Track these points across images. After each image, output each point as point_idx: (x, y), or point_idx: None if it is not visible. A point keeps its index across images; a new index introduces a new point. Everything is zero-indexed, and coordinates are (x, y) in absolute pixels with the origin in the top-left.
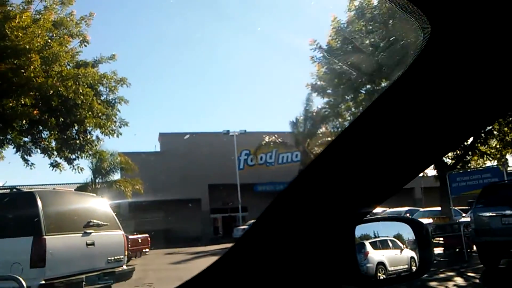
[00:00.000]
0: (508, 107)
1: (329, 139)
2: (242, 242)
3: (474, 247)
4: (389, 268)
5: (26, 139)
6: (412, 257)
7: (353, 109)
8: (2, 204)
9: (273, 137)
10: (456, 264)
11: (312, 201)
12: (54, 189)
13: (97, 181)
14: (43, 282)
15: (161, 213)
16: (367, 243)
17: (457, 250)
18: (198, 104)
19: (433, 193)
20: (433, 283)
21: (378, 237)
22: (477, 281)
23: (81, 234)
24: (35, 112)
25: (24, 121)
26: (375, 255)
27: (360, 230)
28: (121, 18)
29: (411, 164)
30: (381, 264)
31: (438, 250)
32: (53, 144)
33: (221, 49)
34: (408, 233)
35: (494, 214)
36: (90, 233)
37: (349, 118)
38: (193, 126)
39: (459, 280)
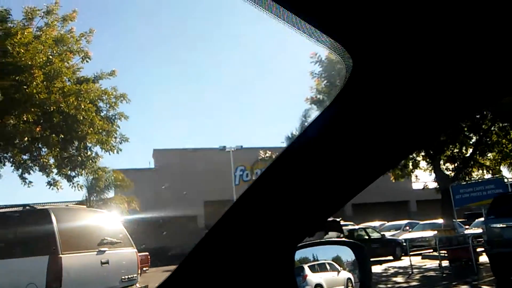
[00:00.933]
0: (433, 135)
1: None
2: (182, 268)
3: (481, 259)
4: None
5: (25, 156)
6: (348, 278)
7: None
8: (16, 222)
9: (269, 152)
10: (466, 276)
11: (250, 227)
12: (66, 206)
13: (92, 198)
14: None
15: (157, 230)
16: (306, 266)
17: (463, 262)
18: (194, 120)
19: (428, 206)
20: None
21: (317, 260)
22: None
23: (95, 252)
24: (37, 129)
25: (26, 138)
26: (313, 278)
27: (300, 254)
28: (117, 33)
29: (345, 189)
30: (318, 286)
31: (444, 263)
32: (51, 161)
33: (217, 65)
34: (347, 255)
35: (508, 225)
36: (105, 251)
37: None
38: (189, 142)
39: None
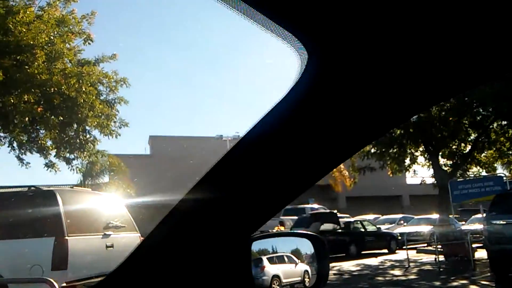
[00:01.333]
0: (383, 131)
1: None
2: (134, 255)
3: (476, 255)
4: (283, 281)
5: (23, 137)
6: (306, 271)
7: None
8: (22, 203)
9: None
10: (464, 272)
11: (202, 217)
12: (72, 188)
13: (86, 183)
14: (65, 284)
15: (150, 216)
16: (264, 258)
17: (458, 258)
18: (192, 108)
19: (421, 201)
20: None
21: (277, 252)
22: None
23: (101, 236)
24: (39, 109)
25: (27, 119)
26: (271, 269)
27: (259, 245)
28: (117, 18)
29: (297, 180)
30: (276, 277)
31: (441, 258)
32: (49, 143)
33: (216, 52)
34: (306, 247)
35: (508, 222)
36: (109, 235)
37: None
38: (186, 129)
39: None
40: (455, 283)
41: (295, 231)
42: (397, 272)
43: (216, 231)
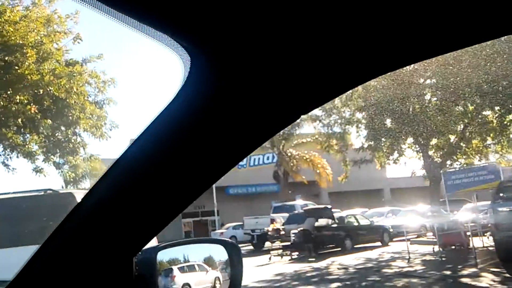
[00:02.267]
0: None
1: (304, 140)
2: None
3: (471, 244)
4: None
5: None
6: (217, 277)
7: (334, 111)
8: (42, 206)
9: None
10: (466, 261)
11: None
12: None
13: (68, 188)
14: None
15: None
16: (175, 268)
17: (455, 247)
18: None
19: (401, 194)
20: (465, 280)
21: (188, 260)
22: (507, 275)
23: None
24: (32, 109)
25: (20, 120)
26: (181, 278)
27: (171, 254)
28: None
29: (188, 188)
30: (186, 285)
31: (435, 248)
32: (34, 148)
33: None
34: (220, 253)
35: None
36: None
37: (326, 120)
38: None
39: (490, 276)
40: (465, 271)
41: (208, 237)
42: (400, 263)
43: (106, 243)
